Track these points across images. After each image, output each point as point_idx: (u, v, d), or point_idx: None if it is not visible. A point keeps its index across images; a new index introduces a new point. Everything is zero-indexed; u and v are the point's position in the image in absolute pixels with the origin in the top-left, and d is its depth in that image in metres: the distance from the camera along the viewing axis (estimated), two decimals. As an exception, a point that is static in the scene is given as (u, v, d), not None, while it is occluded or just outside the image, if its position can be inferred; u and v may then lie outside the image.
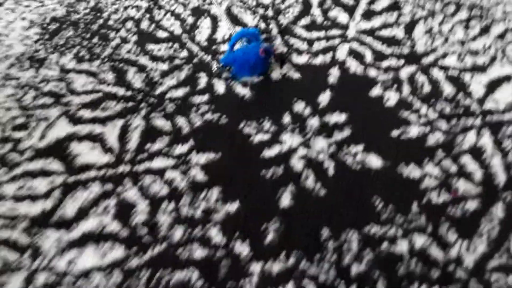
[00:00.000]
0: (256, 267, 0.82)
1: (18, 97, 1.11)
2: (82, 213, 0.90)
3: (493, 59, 1.11)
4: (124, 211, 0.90)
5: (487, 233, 0.82)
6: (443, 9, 1.26)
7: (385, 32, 1.22)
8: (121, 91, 1.12)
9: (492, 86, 1.06)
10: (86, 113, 1.07)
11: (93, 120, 1.06)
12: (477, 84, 1.07)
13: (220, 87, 1.11)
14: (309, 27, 1.25)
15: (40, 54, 1.22)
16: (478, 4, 1.26)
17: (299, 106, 1.06)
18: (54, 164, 0.98)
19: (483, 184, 0.89)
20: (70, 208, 0.91)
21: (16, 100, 1.10)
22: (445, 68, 1.11)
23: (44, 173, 0.97)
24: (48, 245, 0.86)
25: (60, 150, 1.01)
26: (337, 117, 1.03)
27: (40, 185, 0.95)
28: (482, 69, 1.09)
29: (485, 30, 1.18)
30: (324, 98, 1.07)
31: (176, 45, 1.23)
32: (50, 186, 0.94)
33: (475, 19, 1.22)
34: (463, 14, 1.23)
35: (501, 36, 1.16)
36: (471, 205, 0.86)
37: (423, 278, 0.78)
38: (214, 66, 1.15)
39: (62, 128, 1.04)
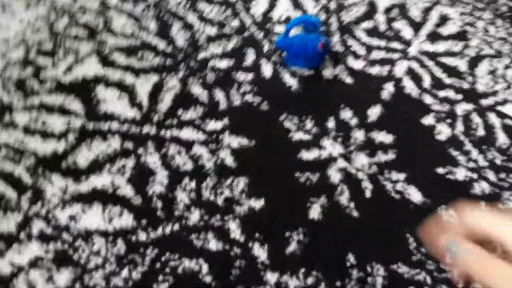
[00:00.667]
0: (271, 277, 0.75)
1: (50, 21, 1.00)
2: (95, 167, 0.82)
3: (553, 120, 1.05)
4: (141, 176, 0.82)
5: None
6: (511, 52, 1.19)
7: (447, 60, 1.14)
8: (161, 45, 1.02)
9: (549, 148, 1.00)
10: (120, 58, 0.97)
11: (126, 68, 0.96)
12: (533, 142, 1.00)
13: (267, 70, 1.03)
14: (371, 33, 1.17)
15: (82, -20, 1.11)
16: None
17: (346, 114, 0.98)
18: (75, 104, 0.89)
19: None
20: (83, 157, 0.82)
21: (48, 23, 1.00)
22: (502, 116, 1.04)
23: (63, 111, 0.87)
24: (51, 192, 0.78)
25: (84, 90, 0.91)
26: (384, 137, 0.96)
27: (56, 123, 0.85)
28: (540, 127, 1.03)
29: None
30: (374, 112, 1.00)
31: (229, 12, 1.13)
32: (66, 127, 0.85)
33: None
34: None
35: None
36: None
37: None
38: (266, 46, 1.06)
39: (91, 67, 0.95)
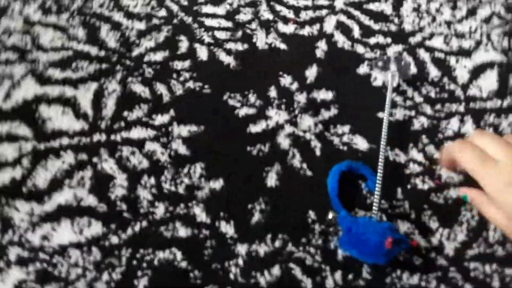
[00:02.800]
0: (241, 249, 0.80)
1: (-23, 50, 1.00)
2: (55, 185, 0.84)
3: (478, 44, 1.11)
4: (101, 184, 0.85)
5: (467, 222, 0.85)
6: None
7: (372, 6, 1.18)
8: (93, 50, 1.03)
9: (477, 72, 1.06)
10: (56, 73, 0.98)
11: (64, 82, 0.98)
12: (461, 69, 1.07)
13: (202, 53, 1.05)
14: (296, -6, 1.19)
15: (0, 2, 1.10)
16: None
17: (286, 80, 1.02)
18: (22, 129, 0.90)
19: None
20: (41, 179, 0.85)
21: (-25, 53, 1.00)
22: (431, 50, 1.10)
23: (11, 138, 0.89)
24: (19, 218, 0.81)
25: (28, 113, 0.93)
26: (324, 95, 1.01)
27: (7, 151, 0.87)
28: (467, 53, 1.10)
29: (471, 12, 1.17)
30: (311, 73, 1.04)
31: (154, 3, 1.14)
32: (18, 153, 0.87)
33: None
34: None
35: (487, 20, 1.16)
36: (453, 194, 0.88)
37: (406, 264, 0.80)
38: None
39: (29, 88, 0.96)
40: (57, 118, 0.92)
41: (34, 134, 0.90)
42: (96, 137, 0.91)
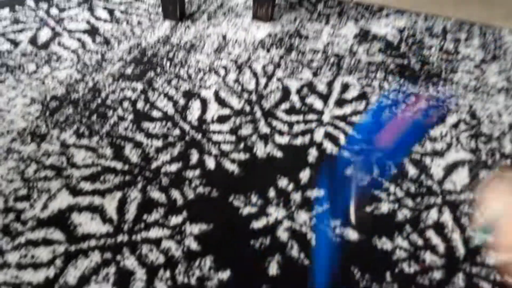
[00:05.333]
0: (248, 332, 0.89)
1: (20, 170, 1.19)
2: (84, 281, 0.96)
3: (449, 146, 1.29)
4: (123, 278, 0.97)
5: (451, 299, 0.94)
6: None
7: (355, 118, 1.38)
8: (119, 165, 1.21)
9: (450, 169, 1.22)
10: (86, 186, 1.16)
11: (93, 192, 1.14)
12: (436, 167, 1.23)
13: (210, 163, 1.23)
14: (289, 111, 1.41)
15: (41, 130, 1.32)
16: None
17: (283, 182, 1.18)
18: (56, 234, 1.05)
19: (446, 256, 1.02)
20: (72, 276, 0.97)
21: (19, 172, 1.18)
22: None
23: (47, 242, 1.03)
24: (50, 311, 0.91)
25: (62, 220, 1.08)
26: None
27: (43, 253, 1.01)
28: (440, 154, 1.26)
29: (441, 120, 1.37)
30: (305, 175, 1.20)
31: (169, 124, 1.35)
32: (52, 255, 1.00)
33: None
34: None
35: (455, 125, 1.35)
36: (437, 275, 0.98)
37: None
38: None
39: (63, 200, 1.12)
40: (87, 223, 1.07)
41: (66, 238, 1.04)
42: (120, 238, 1.05)
